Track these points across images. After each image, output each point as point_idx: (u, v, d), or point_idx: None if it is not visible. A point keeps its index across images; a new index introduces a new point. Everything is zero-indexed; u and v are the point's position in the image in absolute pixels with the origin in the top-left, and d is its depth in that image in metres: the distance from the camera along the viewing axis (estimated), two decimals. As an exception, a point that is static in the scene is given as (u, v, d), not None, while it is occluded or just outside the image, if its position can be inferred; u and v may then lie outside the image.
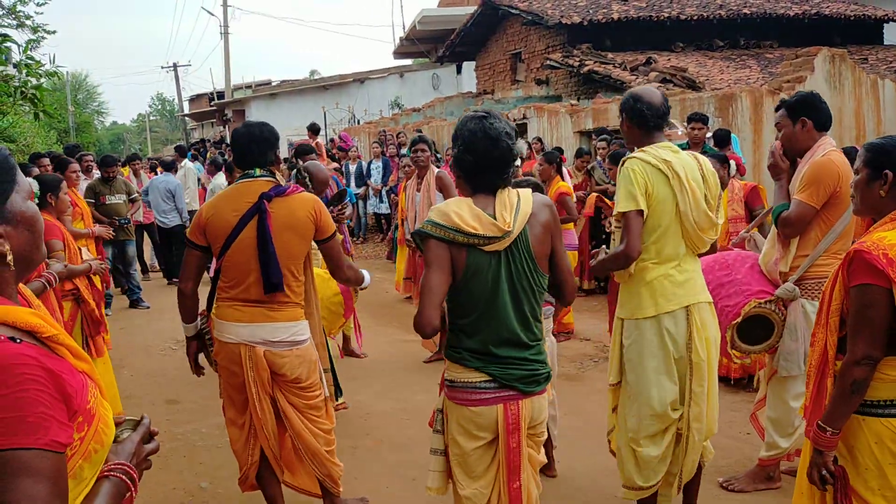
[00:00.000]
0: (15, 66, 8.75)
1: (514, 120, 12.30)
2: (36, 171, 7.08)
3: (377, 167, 13.19)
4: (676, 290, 3.09)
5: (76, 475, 1.27)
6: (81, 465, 1.28)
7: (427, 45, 23.89)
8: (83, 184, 8.22)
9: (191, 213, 10.45)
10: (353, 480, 3.97)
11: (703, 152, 6.29)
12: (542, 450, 2.70)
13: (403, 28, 27.17)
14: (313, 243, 3.34)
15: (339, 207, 4.92)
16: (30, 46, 9.13)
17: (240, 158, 3.31)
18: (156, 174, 12.38)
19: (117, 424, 1.45)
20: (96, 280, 4.77)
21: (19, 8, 10.10)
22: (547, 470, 3.90)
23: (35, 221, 1.37)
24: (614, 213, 3.13)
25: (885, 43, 17.06)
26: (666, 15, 15.79)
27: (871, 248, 2.16)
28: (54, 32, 10.28)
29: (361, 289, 3.73)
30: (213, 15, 40.76)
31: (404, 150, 11.28)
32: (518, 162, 2.58)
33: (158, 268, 11.34)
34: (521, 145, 2.56)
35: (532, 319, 2.49)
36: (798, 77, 9.32)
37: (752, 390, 4.74)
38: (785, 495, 3.65)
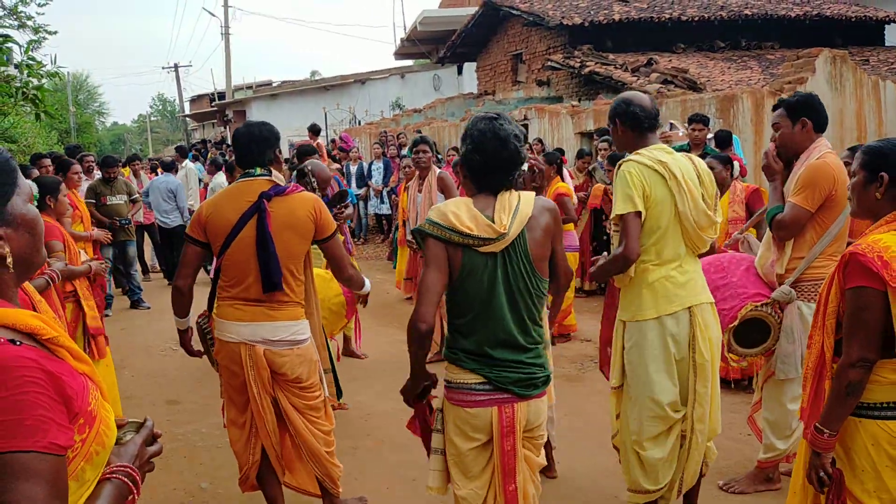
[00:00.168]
0: (16, 66, 8.75)
1: (516, 121, 12.29)
2: (35, 172, 7.07)
3: (378, 168, 13.20)
4: (678, 291, 3.09)
5: (78, 477, 1.28)
6: (83, 467, 1.28)
7: (428, 45, 23.91)
8: (84, 184, 8.22)
9: (192, 213, 10.44)
10: (353, 481, 3.98)
11: (704, 153, 6.30)
12: (543, 451, 2.70)
13: (404, 29, 27.22)
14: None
15: (340, 207, 4.92)
16: (31, 47, 9.15)
17: (240, 158, 3.33)
18: (156, 175, 12.39)
19: (120, 427, 1.45)
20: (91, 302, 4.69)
21: (21, 9, 10.12)
22: (547, 471, 3.90)
23: (35, 224, 1.38)
24: (612, 215, 3.13)
25: (887, 44, 17.06)
26: (667, 16, 15.79)
27: (866, 251, 2.17)
28: (55, 33, 10.31)
29: (363, 294, 3.72)
30: (213, 16, 40.88)
31: (405, 151, 11.29)
32: (525, 166, 2.60)
33: (159, 268, 11.35)
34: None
35: (530, 323, 2.49)
36: (799, 78, 9.33)
37: (751, 392, 4.73)
38: (784, 496, 3.63)
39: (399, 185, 9.72)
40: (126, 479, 1.36)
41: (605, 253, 3.33)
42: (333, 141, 16.92)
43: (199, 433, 4.90)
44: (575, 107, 12.05)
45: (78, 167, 7.32)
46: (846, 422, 2.26)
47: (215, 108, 29.45)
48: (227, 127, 26.74)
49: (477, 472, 2.52)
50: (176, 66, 42.06)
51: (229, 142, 20.94)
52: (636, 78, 12.65)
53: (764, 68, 13.74)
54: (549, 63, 15.21)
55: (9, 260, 1.31)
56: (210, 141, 26.11)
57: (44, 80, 8.89)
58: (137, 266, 9.42)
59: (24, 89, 8.55)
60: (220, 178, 10.18)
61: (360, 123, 21.84)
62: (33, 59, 8.70)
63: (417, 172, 6.65)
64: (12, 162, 1.36)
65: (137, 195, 9.22)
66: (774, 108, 3.67)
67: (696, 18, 15.80)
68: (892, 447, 2.20)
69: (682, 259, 3.12)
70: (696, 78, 12.34)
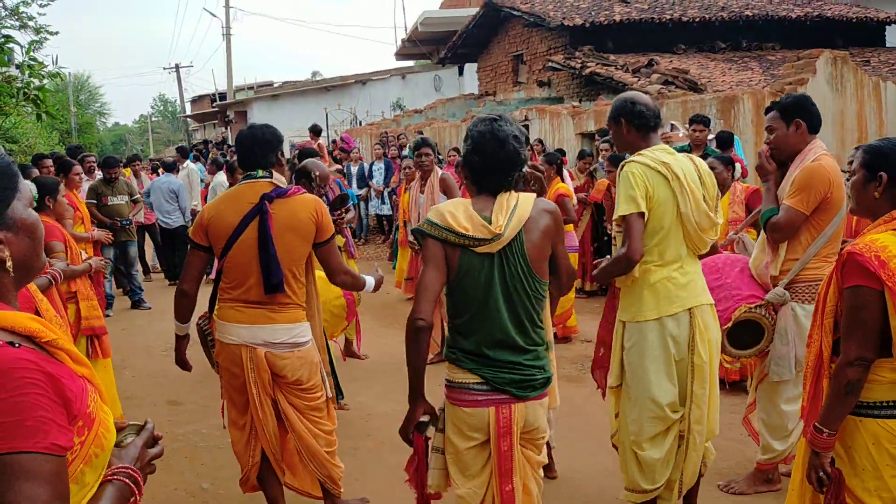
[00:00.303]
0: (18, 67, 8.76)
1: (517, 121, 12.30)
2: (35, 172, 7.08)
3: (379, 168, 13.21)
4: (679, 292, 3.09)
5: (77, 479, 1.28)
6: (83, 470, 1.29)
7: (429, 46, 23.93)
8: (85, 185, 8.23)
9: (195, 213, 10.46)
10: (354, 481, 3.98)
11: (705, 154, 6.29)
12: (545, 449, 2.70)
13: (405, 29, 27.19)
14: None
15: (340, 212, 4.91)
16: (32, 48, 9.16)
17: (243, 160, 3.35)
18: (157, 175, 12.40)
19: (120, 429, 1.46)
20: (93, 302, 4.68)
21: (22, 9, 10.13)
22: (547, 471, 3.89)
23: (36, 229, 1.38)
24: (615, 216, 3.14)
25: (887, 45, 17.07)
26: (668, 17, 15.80)
27: (864, 250, 2.18)
28: (57, 33, 10.30)
29: (369, 290, 3.72)
30: (214, 16, 40.89)
31: (406, 152, 11.29)
32: (525, 168, 2.61)
33: (160, 269, 11.36)
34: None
35: (529, 324, 2.49)
36: (800, 79, 9.32)
37: (751, 392, 4.74)
38: (784, 497, 3.64)
39: (399, 185, 9.73)
40: (128, 481, 1.36)
41: (608, 255, 3.33)
42: (334, 141, 16.93)
43: (199, 434, 4.91)
44: (576, 107, 12.05)
45: (79, 168, 7.34)
46: (846, 421, 2.26)
47: (216, 109, 29.47)
48: (229, 127, 26.76)
49: (475, 471, 2.53)
50: (177, 67, 42.07)
51: (230, 142, 21.01)
52: (637, 79, 12.66)
53: (765, 69, 13.75)
54: (550, 64, 15.22)
55: (8, 264, 1.32)
56: (211, 141, 26.14)
57: (45, 81, 8.91)
58: (138, 266, 9.43)
59: (26, 90, 8.57)
60: (221, 177, 10.18)
61: (360, 124, 21.85)
62: (35, 59, 8.71)
63: (419, 174, 6.64)
64: (14, 167, 1.37)
65: (138, 195, 9.24)
66: (767, 111, 3.66)
67: (697, 19, 15.81)
68: (892, 446, 2.21)
69: (683, 260, 3.12)
70: (696, 79, 12.35)
